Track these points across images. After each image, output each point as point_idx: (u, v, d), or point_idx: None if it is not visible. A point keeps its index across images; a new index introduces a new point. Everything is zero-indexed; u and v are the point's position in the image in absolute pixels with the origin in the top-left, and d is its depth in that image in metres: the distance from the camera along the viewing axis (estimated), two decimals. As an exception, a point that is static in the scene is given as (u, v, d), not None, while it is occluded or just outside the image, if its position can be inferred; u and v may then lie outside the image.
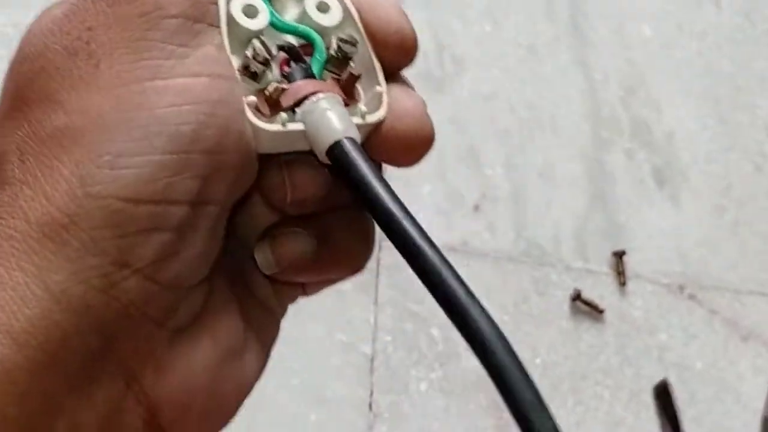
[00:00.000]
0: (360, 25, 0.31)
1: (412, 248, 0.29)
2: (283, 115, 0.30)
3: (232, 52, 0.30)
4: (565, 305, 0.80)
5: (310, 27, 0.31)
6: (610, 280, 0.81)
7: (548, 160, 0.83)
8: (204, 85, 0.27)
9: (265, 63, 0.30)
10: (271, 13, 0.31)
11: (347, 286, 0.77)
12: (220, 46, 0.28)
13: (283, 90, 0.30)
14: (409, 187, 0.79)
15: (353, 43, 0.31)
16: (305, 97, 0.30)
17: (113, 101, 0.26)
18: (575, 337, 0.80)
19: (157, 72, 0.27)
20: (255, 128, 0.30)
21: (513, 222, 0.81)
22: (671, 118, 0.85)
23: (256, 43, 0.30)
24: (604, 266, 0.81)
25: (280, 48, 0.31)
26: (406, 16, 0.31)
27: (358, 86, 0.31)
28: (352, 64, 0.31)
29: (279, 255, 0.30)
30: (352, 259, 0.32)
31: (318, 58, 0.31)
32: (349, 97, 0.31)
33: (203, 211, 0.27)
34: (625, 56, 0.86)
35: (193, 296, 0.28)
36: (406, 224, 0.29)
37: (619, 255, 0.81)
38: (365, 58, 0.31)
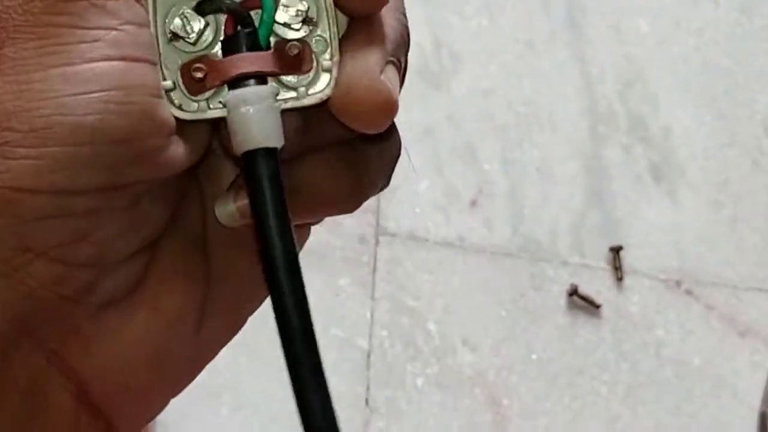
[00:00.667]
0: None
1: (277, 290, 0.27)
2: (201, 103, 0.28)
3: (165, 11, 0.28)
4: (562, 300, 0.80)
5: None
6: (607, 276, 0.81)
7: (545, 155, 0.83)
8: (117, 69, 0.26)
9: (199, 32, 0.28)
10: None
11: (344, 281, 0.77)
12: (141, 23, 0.26)
13: (212, 65, 0.28)
14: (406, 182, 0.79)
15: (302, 18, 0.28)
16: (236, 78, 0.28)
17: (15, 88, 0.25)
18: (572, 333, 0.80)
19: (66, 58, 0.25)
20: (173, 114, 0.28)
21: (510, 217, 0.81)
22: (668, 114, 0.85)
23: (185, 9, 0.28)
24: (601, 261, 0.81)
25: (221, 8, 0.28)
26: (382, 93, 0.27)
27: (313, 51, 0.29)
28: (305, 26, 0.28)
29: (242, 206, 0.29)
30: (331, 204, 0.30)
31: (265, 19, 0.28)
32: (298, 64, 0.28)
33: (115, 194, 0.26)
34: (622, 52, 0.86)
35: (122, 270, 0.27)
36: (280, 266, 0.27)
37: (616, 250, 0.81)
38: (323, 22, 0.28)
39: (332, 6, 0.28)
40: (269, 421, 0.73)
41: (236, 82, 0.28)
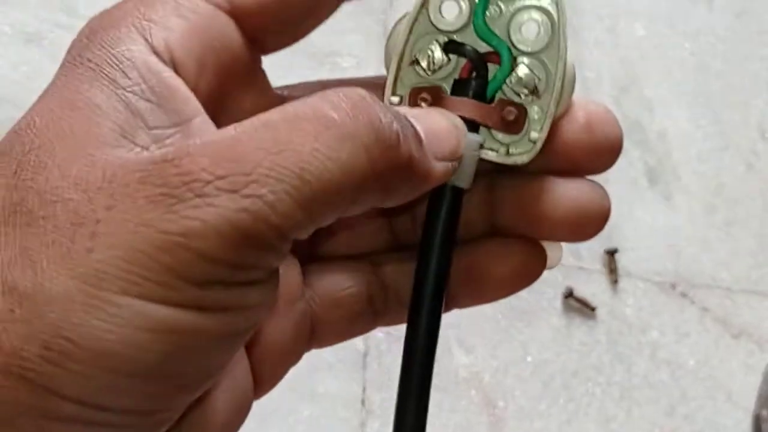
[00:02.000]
0: (560, 61, 0.31)
1: (418, 310, 0.31)
2: None
3: (417, 37, 0.31)
4: (557, 302, 0.81)
5: (511, 40, 0.31)
6: (602, 278, 0.82)
7: (541, 158, 0.84)
8: (184, 322, 0.26)
9: (438, 66, 0.31)
10: (477, 13, 0.31)
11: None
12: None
13: (438, 99, 0.31)
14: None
15: (531, 89, 0.31)
16: None
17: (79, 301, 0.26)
18: (567, 335, 0.80)
19: (140, 302, 0.26)
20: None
21: (506, 220, 0.82)
22: (664, 118, 0.86)
23: (434, 44, 0.31)
24: (596, 264, 0.82)
25: (465, 54, 0.31)
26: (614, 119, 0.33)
27: (528, 119, 0.31)
28: (529, 96, 0.31)
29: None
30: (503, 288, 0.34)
31: (498, 76, 0.31)
32: (512, 126, 0.31)
33: (149, 417, 0.26)
34: (618, 55, 0.87)
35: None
36: (428, 286, 0.30)
37: (611, 253, 0.82)
38: (545, 98, 0.31)
39: (560, 88, 0.31)
40: (261, 416, 0.73)
41: None
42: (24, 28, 0.81)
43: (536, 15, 0.31)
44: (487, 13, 0.31)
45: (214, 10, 0.29)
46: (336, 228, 0.33)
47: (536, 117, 0.31)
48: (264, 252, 0.26)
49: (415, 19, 0.30)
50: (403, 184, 0.28)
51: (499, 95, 0.31)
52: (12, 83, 0.79)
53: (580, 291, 0.81)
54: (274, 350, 0.32)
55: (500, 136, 0.31)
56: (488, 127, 0.31)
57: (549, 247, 0.34)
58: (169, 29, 0.28)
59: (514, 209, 0.33)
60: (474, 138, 0.31)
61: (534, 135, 0.31)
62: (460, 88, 0.31)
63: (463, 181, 0.30)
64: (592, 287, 0.81)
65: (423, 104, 0.31)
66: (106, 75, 0.27)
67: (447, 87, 0.31)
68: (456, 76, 0.31)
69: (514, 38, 0.31)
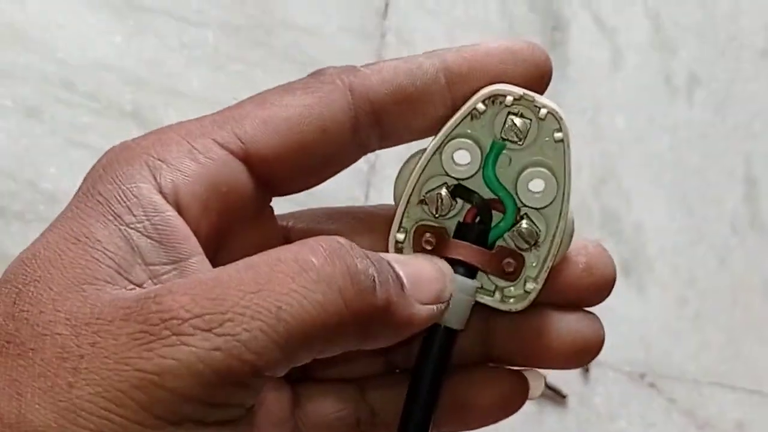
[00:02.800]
0: (562, 218, 0.33)
1: None
2: None
3: (427, 178, 0.32)
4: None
5: (517, 193, 0.33)
6: (574, 366, 0.84)
7: (520, 246, 0.86)
8: None
9: (447, 209, 0.33)
10: (487, 164, 0.33)
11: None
12: None
13: (441, 240, 0.32)
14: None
15: (531, 241, 0.33)
16: (453, 259, 0.32)
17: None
18: (538, 421, 0.83)
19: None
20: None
21: (483, 306, 0.84)
22: (640, 210, 0.88)
23: (444, 187, 0.33)
24: (569, 352, 0.84)
25: (472, 200, 0.33)
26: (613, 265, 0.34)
27: (525, 269, 0.33)
28: (528, 247, 0.33)
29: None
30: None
31: (502, 226, 0.33)
32: (509, 273, 0.33)
33: None
34: (598, 147, 0.89)
35: None
36: (413, 424, 0.32)
37: (584, 342, 0.84)
38: (543, 249, 0.33)
39: (558, 243, 0.33)
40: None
41: (452, 261, 0.32)
42: (25, 102, 0.83)
43: (543, 173, 0.33)
44: (497, 164, 0.33)
45: (227, 155, 0.31)
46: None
47: (533, 266, 0.33)
48: (238, 389, 0.27)
49: (429, 160, 0.32)
50: (384, 328, 0.30)
51: (499, 242, 0.33)
52: (11, 156, 0.81)
53: (553, 378, 0.83)
54: None
55: (498, 281, 0.33)
56: (486, 273, 0.33)
57: (531, 376, 0.36)
58: (179, 171, 0.30)
59: (512, 341, 0.35)
60: (470, 283, 0.32)
61: (530, 286, 0.33)
62: (463, 231, 0.33)
63: (457, 323, 0.32)
64: (564, 375, 0.84)
65: (427, 246, 0.33)
66: (113, 210, 0.29)
67: (451, 226, 0.33)
68: (461, 218, 0.33)
69: (520, 190, 0.33)
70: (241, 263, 0.28)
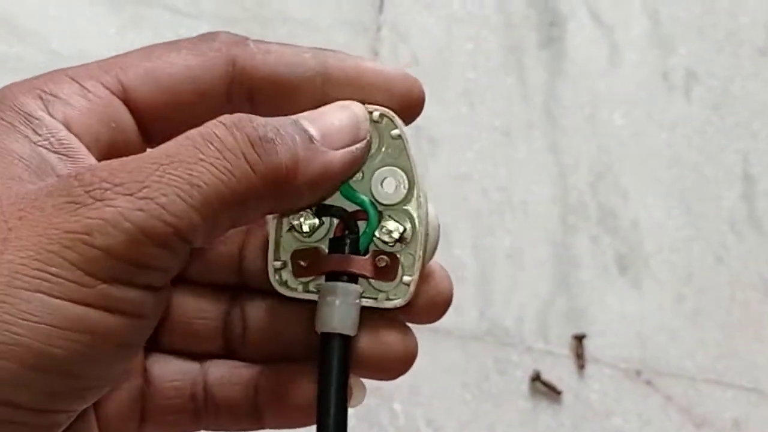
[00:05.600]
0: (420, 209, 0.34)
1: None
2: (300, 285, 0.35)
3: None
4: (525, 385, 0.83)
5: (374, 197, 0.35)
6: (569, 363, 0.83)
7: (516, 242, 0.86)
8: (95, 317, 0.29)
9: (315, 228, 0.34)
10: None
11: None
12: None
13: (317, 257, 0.34)
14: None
15: (398, 238, 0.34)
16: (332, 273, 0.34)
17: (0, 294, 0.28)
18: (533, 417, 0.82)
19: (57, 291, 0.28)
20: (275, 288, 0.34)
21: (478, 302, 0.84)
22: (637, 206, 0.88)
23: (305, 212, 0.34)
24: (564, 348, 0.84)
25: (335, 214, 0.34)
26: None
27: (400, 265, 0.35)
28: (398, 244, 0.35)
29: None
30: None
31: (367, 231, 0.35)
32: (386, 274, 0.35)
33: (43, 416, 0.29)
34: (596, 143, 0.89)
35: None
36: None
37: (579, 338, 0.84)
38: (413, 243, 0.35)
39: (425, 234, 0.34)
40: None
41: (333, 275, 0.34)
42: None
43: (392, 171, 0.34)
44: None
45: (112, 96, 0.33)
46: (173, 324, 0.36)
47: (408, 263, 0.34)
48: (162, 251, 0.29)
49: None
50: (299, 184, 0.31)
51: (372, 248, 0.35)
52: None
53: (548, 375, 0.83)
54: (110, 420, 0.35)
55: (379, 284, 0.35)
56: (365, 277, 0.34)
57: (355, 384, 0.36)
58: (69, 105, 0.32)
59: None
60: (353, 288, 0.34)
61: (407, 278, 0.34)
62: (336, 245, 0.34)
63: (348, 328, 0.34)
64: (559, 371, 0.83)
65: (303, 263, 0.34)
66: (20, 131, 0.31)
67: (324, 247, 0.35)
68: (331, 235, 0.35)
69: (376, 194, 0.34)
70: (152, 150, 0.31)
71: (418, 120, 0.91)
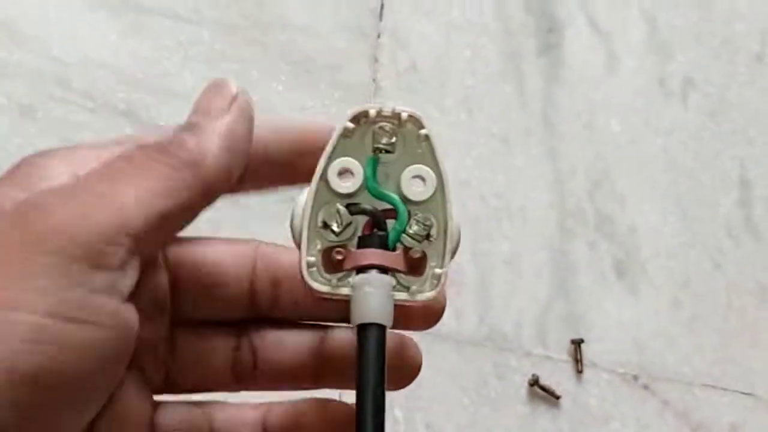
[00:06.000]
0: (448, 204, 0.36)
1: None
2: (334, 279, 0.35)
3: (320, 205, 0.35)
4: (523, 390, 0.83)
5: (402, 195, 0.35)
6: (567, 368, 0.84)
7: (514, 248, 0.86)
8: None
9: (345, 226, 0.35)
10: (368, 178, 0.35)
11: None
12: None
13: (348, 253, 0.35)
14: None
15: (426, 232, 0.35)
16: (364, 267, 0.35)
17: None
18: (531, 422, 0.83)
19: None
20: (307, 285, 0.35)
21: (477, 307, 0.84)
22: (635, 212, 0.88)
23: (339, 207, 0.35)
24: (562, 354, 0.84)
25: (366, 212, 0.35)
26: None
27: (427, 261, 0.35)
28: (426, 241, 0.35)
29: None
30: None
31: (397, 227, 0.35)
32: (415, 269, 0.35)
33: None
34: (593, 149, 0.89)
35: None
36: (369, 428, 0.34)
37: (577, 343, 0.84)
38: (439, 238, 0.35)
39: (450, 230, 0.35)
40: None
41: (364, 269, 0.35)
42: (19, 100, 0.83)
43: (420, 169, 0.35)
44: (378, 176, 0.36)
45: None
46: (183, 365, 0.37)
47: (435, 259, 0.35)
48: (114, 247, 0.30)
49: (317, 189, 0.35)
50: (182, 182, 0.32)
51: (398, 245, 0.35)
52: (5, 154, 0.81)
53: (546, 379, 0.83)
54: None
55: (407, 280, 0.35)
56: (396, 271, 0.35)
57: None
58: None
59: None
60: (387, 279, 0.34)
61: (438, 271, 0.35)
62: (365, 242, 0.35)
63: (384, 318, 0.34)
64: (558, 376, 0.84)
65: (338, 256, 0.35)
66: None
67: (353, 244, 0.35)
68: (359, 234, 0.35)
69: (405, 191, 0.35)
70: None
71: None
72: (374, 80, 0.89)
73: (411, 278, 0.35)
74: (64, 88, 0.84)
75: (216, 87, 0.35)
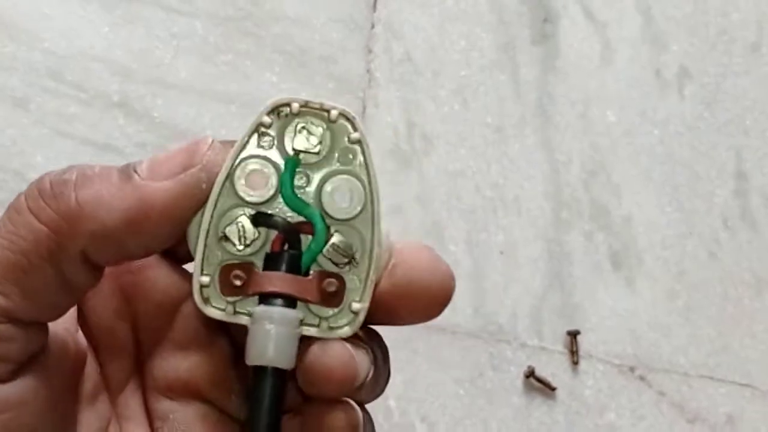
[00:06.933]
0: (376, 227, 0.29)
1: None
2: (229, 306, 0.29)
3: (223, 211, 0.29)
4: (519, 381, 0.83)
5: (323, 209, 0.30)
6: (563, 359, 0.84)
7: (510, 239, 0.86)
8: None
9: (250, 240, 0.30)
10: (284, 184, 0.29)
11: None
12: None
13: (251, 274, 0.29)
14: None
15: (347, 257, 0.29)
16: (268, 293, 0.29)
17: None
18: (526, 414, 0.82)
19: None
20: (198, 309, 0.29)
21: (472, 298, 0.84)
22: (630, 203, 0.88)
23: (243, 217, 0.29)
24: (558, 345, 0.84)
25: (276, 226, 0.29)
26: (447, 275, 0.31)
27: (346, 291, 0.30)
28: (346, 266, 0.30)
29: None
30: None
31: (313, 248, 0.29)
32: (330, 299, 0.30)
33: None
34: (588, 140, 0.89)
35: None
36: None
37: (573, 334, 0.84)
38: (363, 265, 0.30)
39: (378, 254, 0.29)
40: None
41: (268, 297, 0.29)
42: (12, 92, 0.83)
43: (347, 180, 0.30)
44: (295, 182, 0.30)
45: None
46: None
47: (355, 286, 0.30)
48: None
49: (219, 193, 0.29)
50: (110, 220, 0.28)
51: (314, 267, 0.30)
52: (-3, 146, 0.81)
53: (542, 371, 0.83)
54: None
55: (319, 309, 0.30)
56: (307, 302, 0.30)
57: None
58: None
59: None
60: (292, 314, 0.29)
61: (356, 306, 0.30)
62: (272, 262, 0.30)
63: (284, 361, 0.29)
64: (553, 367, 0.83)
65: (237, 281, 0.29)
66: None
67: (258, 262, 0.30)
68: (267, 249, 0.30)
69: (326, 205, 0.30)
70: None
71: (412, 117, 0.91)
72: (368, 71, 0.88)
73: (326, 311, 0.30)
74: (57, 80, 0.84)
75: (190, 142, 0.30)
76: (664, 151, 0.90)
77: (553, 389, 0.83)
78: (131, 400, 0.33)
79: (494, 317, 0.84)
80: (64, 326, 0.31)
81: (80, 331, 0.32)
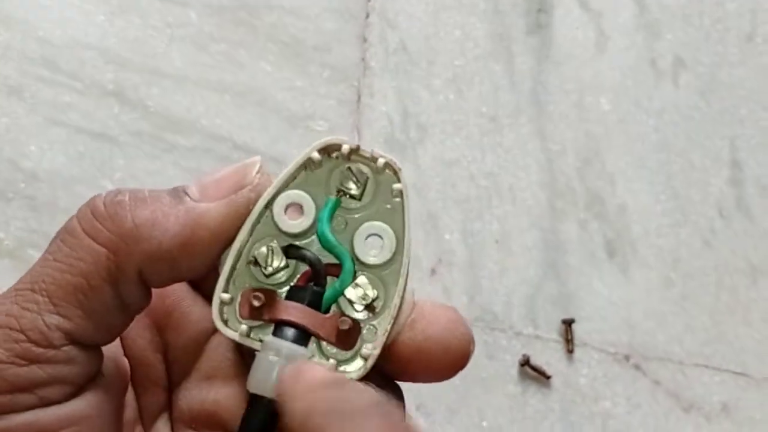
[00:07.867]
0: (401, 279, 0.29)
1: None
2: (244, 327, 0.30)
3: (258, 238, 0.30)
4: (514, 370, 0.83)
5: (354, 252, 0.30)
6: (558, 347, 0.84)
7: (504, 227, 0.86)
8: None
9: (279, 269, 0.30)
10: (321, 221, 0.30)
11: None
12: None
13: (272, 301, 0.30)
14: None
15: (368, 303, 0.30)
16: (284, 323, 0.30)
17: None
18: (522, 402, 0.82)
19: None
20: (214, 324, 0.30)
21: (468, 287, 0.84)
22: (625, 191, 0.88)
23: (275, 245, 0.30)
24: (553, 333, 0.84)
25: (306, 260, 0.30)
26: (466, 337, 0.30)
27: (361, 334, 0.30)
28: (366, 312, 0.30)
29: None
30: None
31: (337, 287, 0.30)
32: (344, 340, 0.30)
33: None
34: (583, 129, 0.89)
35: None
36: None
37: (568, 323, 0.84)
38: (382, 313, 0.30)
39: (397, 308, 0.30)
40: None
41: (283, 326, 0.30)
42: (6, 81, 0.83)
43: (382, 228, 0.30)
44: (332, 222, 0.30)
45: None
46: None
47: (371, 333, 0.30)
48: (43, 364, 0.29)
49: (257, 218, 0.30)
50: (164, 240, 0.29)
51: (334, 309, 0.30)
52: (-8, 135, 0.81)
53: (537, 359, 0.83)
54: None
55: (332, 350, 0.30)
56: (319, 338, 0.30)
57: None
58: None
59: None
60: (300, 351, 0.29)
61: (366, 351, 0.30)
62: (295, 294, 0.30)
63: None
64: (548, 356, 0.83)
65: (256, 302, 0.30)
66: None
67: (282, 292, 0.30)
68: (293, 282, 0.30)
69: (357, 249, 0.30)
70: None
71: (407, 106, 0.91)
72: (363, 60, 0.88)
73: (337, 350, 0.30)
74: (52, 69, 0.84)
75: (240, 164, 0.31)
76: (659, 140, 0.90)
77: (548, 378, 0.83)
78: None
79: (489, 306, 0.84)
80: (112, 350, 0.32)
81: (124, 356, 0.33)
